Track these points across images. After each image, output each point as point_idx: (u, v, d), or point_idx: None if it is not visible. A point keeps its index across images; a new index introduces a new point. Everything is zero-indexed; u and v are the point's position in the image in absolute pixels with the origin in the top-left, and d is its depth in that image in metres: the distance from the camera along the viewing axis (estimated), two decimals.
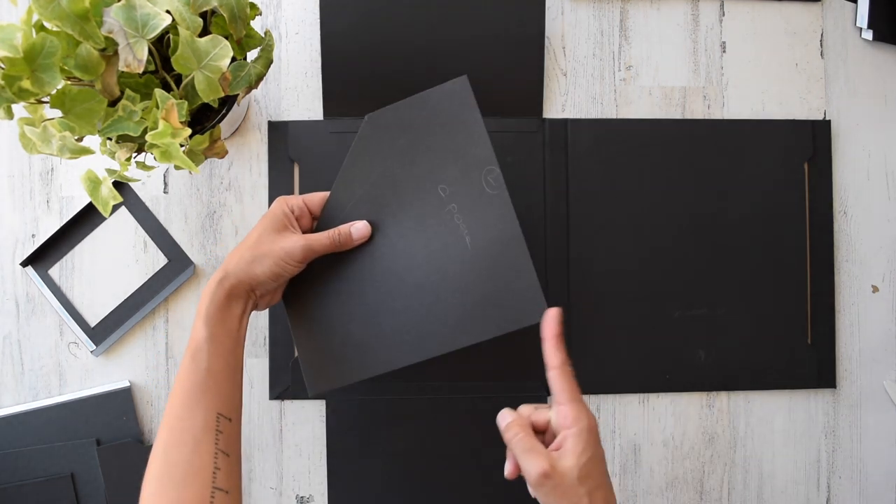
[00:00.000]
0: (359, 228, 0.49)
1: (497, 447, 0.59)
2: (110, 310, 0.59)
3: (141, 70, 0.39)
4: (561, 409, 0.42)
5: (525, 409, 0.44)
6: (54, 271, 0.59)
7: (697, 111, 0.62)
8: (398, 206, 0.48)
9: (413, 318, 0.48)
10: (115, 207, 0.59)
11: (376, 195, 0.49)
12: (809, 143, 0.62)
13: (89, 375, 0.59)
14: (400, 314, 0.48)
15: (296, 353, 0.50)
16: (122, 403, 0.57)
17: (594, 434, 0.42)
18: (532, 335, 0.59)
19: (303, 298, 0.49)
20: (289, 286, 0.50)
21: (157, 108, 0.41)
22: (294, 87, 0.61)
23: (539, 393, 0.59)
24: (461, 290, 0.47)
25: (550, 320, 0.44)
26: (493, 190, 0.47)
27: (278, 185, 0.59)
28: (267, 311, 0.59)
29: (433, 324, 0.48)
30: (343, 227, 0.48)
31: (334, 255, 0.49)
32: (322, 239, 0.47)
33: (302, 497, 0.59)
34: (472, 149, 0.48)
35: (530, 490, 0.42)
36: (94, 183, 0.43)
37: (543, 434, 0.44)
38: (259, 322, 0.59)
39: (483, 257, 0.47)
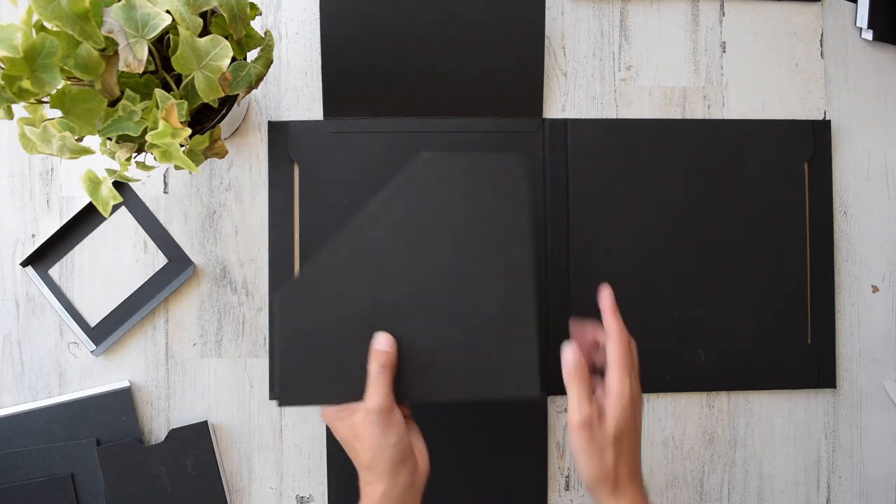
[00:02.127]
0: (382, 342, 0.47)
1: (496, 447, 0.59)
2: (110, 310, 0.59)
3: (141, 70, 0.39)
4: (611, 375, 0.45)
5: (578, 352, 0.47)
6: (54, 271, 0.59)
7: (697, 111, 0.62)
8: (426, 247, 0.48)
9: (408, 359, 0.47)
10: (115, 207, 0.59)
11: (408, 226, 0.48)
12: (809, 143, 0.62)
13: (89, 375, 0.59)
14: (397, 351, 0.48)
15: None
16: (122, 403, 0.57)
17: (635, 408, 0.45)
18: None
19: (299, 310, 0.48)
20: (281, 298, 0.48)
21: (157, 108, 0.41)
22: (294, 87, 0.61)
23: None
24: (464, 346, 0.48)
25: (607, 294, 0.48)
26: (521, 265, 0.48)
27: (278, 185, 0.59)
28: (267, 311, 0.59)
29: (426, 370, 0.47)
30: (374, 359, 0.46)
31: (344, 276, 0.48)
32: (371, 387, 0.45)
33: (302, 497, 0.59)
34: (515, 220, 0.48)
35: (570, 431, 0.45)
36: (94, 183, 0.43)
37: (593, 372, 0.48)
38: (259, 322, 0.59)
39: (492, 322, 0.48)
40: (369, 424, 0.44)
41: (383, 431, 0.44)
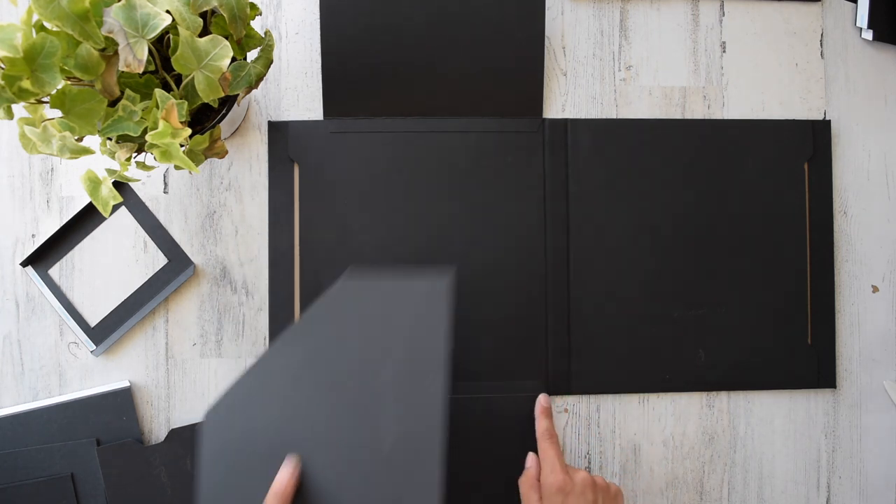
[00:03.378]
0: (281, 474, 0.46)
1: (496, 447, 0.59)
2: (110, 310, 0.59)
3: (141, 70, 0.39)
4: (541, 471, 0.53)
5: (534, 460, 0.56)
6: (54, 271, 0.59)
7: (697, 111, 0.62)
8: (340, 376, 0.48)
9: (310, 493, 0.47)
10: (115, 207, 0.59)
11: (324, 353, 0.49)
12: (809, 143, 0.62)
13: (89, 375, 0.59)
14: (302, 482, 0.47)
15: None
16: (122, 403, 0.57)
17: (562, 493, 0.51)
18: (533, 337, 0.59)
19: (221, 432, 0.49)
20: (207, 417, 0.50)
21: (157, 108, 0.41)
22: (294, 87, 0.61)
23: (538, 392, 0.59)
24: (363, 487, 0.47)
25: (544, 399, 0.57)
26: (432, 398, 0.47)
27: (278, 185, 0.59)
28: (267, 310, 0.59)
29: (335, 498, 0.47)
30: (271, 489, 0.46)
31: (262, 401, 0.49)
32: None
33: None
34: (430, 349, 0.48)
35: (543, 491, 0.52)
36: (94, 183, 0.44)
37: None
38: (259, 322, 0.59)
39: (393, 464, 0.47)
40: None
41: None
